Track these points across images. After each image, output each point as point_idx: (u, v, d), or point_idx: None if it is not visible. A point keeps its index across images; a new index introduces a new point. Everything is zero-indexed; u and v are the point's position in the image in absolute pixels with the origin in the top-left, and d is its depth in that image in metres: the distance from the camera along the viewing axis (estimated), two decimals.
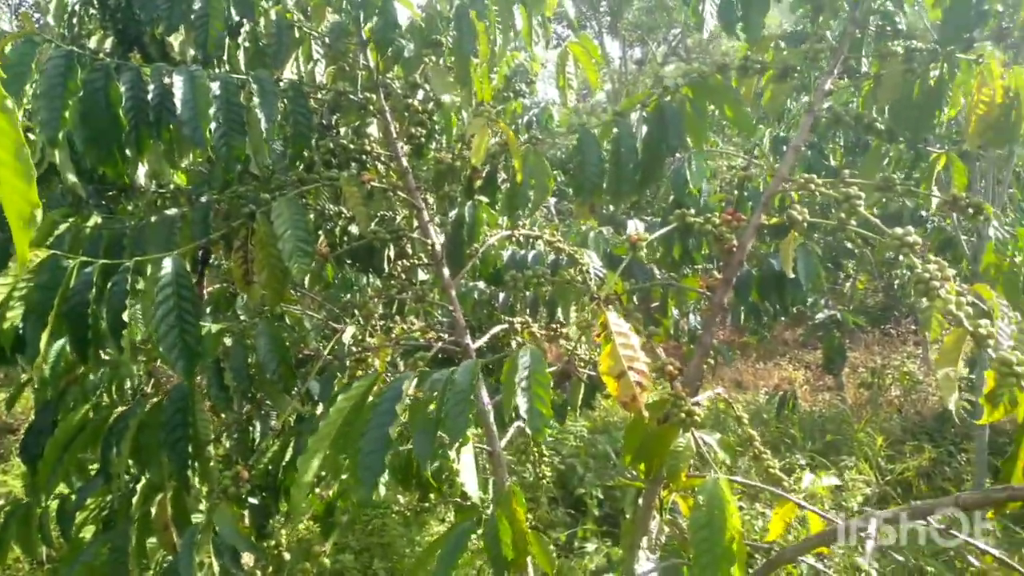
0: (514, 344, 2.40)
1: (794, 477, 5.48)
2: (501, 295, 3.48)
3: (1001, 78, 1.96)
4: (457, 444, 1.72)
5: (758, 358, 9.62)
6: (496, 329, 2.34)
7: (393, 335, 2.38)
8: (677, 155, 3.93)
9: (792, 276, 4.68)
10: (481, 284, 3.50)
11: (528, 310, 3.31)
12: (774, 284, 4.50)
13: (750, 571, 1.63)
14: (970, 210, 1.94)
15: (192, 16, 1.98)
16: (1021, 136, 2.00)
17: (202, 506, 2.11)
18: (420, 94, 2.50)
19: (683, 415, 1.68)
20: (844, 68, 2.04)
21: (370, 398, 1.56)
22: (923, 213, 6.12)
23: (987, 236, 2.43)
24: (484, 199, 2.57)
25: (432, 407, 1.49)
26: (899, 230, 1.53)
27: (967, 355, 1.53)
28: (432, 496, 2.27)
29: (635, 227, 3.59)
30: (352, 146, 2.27)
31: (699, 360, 1.91)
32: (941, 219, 5.38)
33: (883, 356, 8.88)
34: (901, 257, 1.55)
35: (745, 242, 1.84)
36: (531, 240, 2.83)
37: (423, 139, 2.41)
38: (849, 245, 6.73)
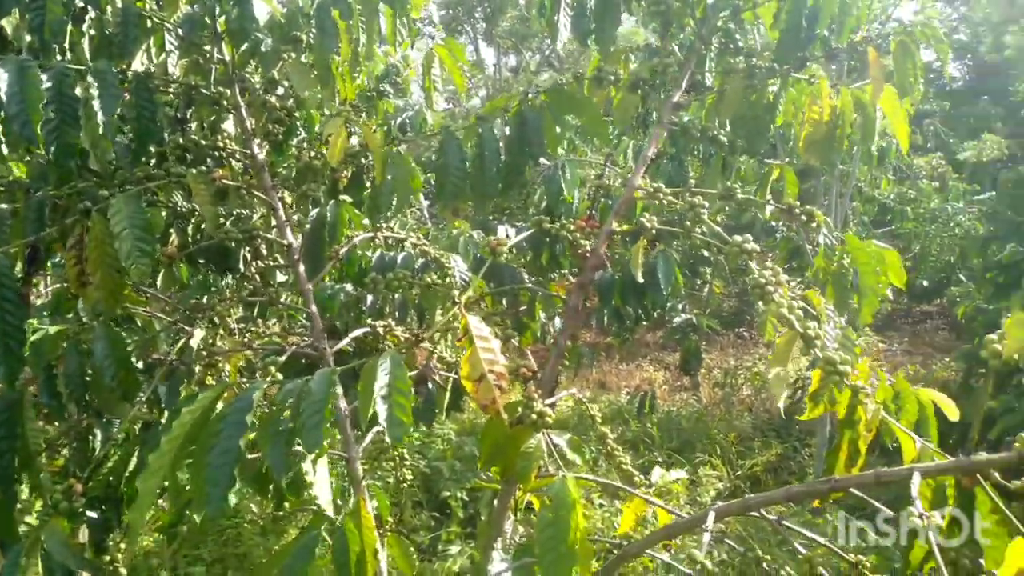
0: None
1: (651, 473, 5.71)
2: (369, 298, 3.44)
3: (829, 97, 2.12)
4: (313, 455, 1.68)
5: (621, 359, 9.95)
6: (356, 332, 2.30)
7: (247, 339, 2.29)
8: (550, 162, 4.02)
9: (651, 281, 4.85)
10: (349, 287, 3.44)
11: (397, 313, 3.29)
12: (635, 289, 4.67)
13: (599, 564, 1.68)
14: (803, 218, 2.09)
15: None
16: (844, 152, 2.17)
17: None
18: (280, 90, 2.43)
19: (535, 416, 1.72)
20: (691, 82, 2.14)
21: (219, 407, 1.49)
22: (773, 223, 6.54)
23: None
24: (348, 199, 2.53)
25: (287, 416, 1.45)
26: (738, 238, 1.62)
27: (807, 356, 1.64)
28: (288, 504, 2.20)
29: (505, 232, 3.63)
30: (205, 142, 2.17)
31: (554, 363, 1.95)
32: (787, 228, 5.76)
33: (736, 358, 9.40)
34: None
35: (598, 248, 1.90)
36: (399, 242, 2.81)
37: (282, 136, 2.35)
38: (706, 253, 7.09)
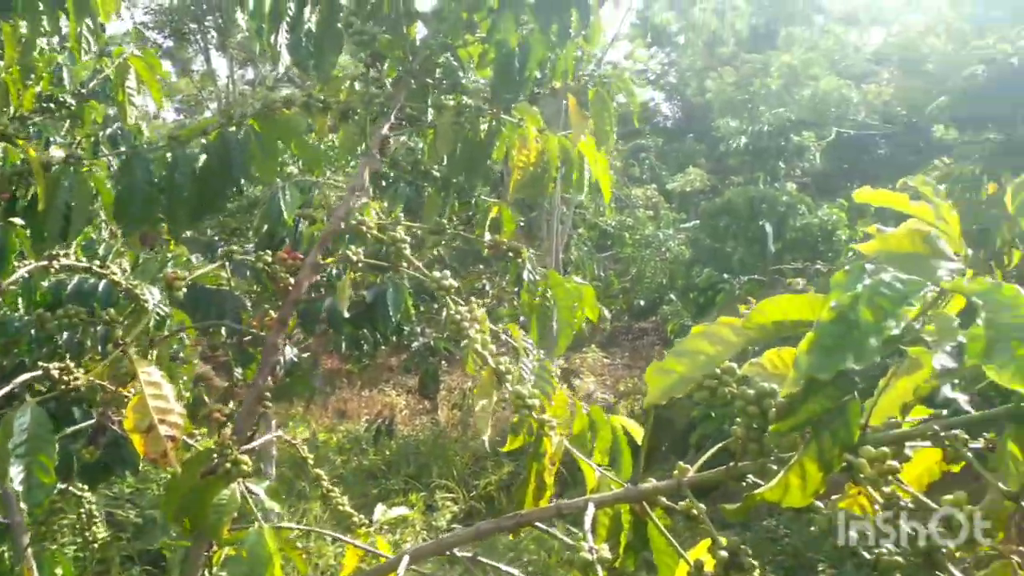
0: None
1: (388, 503, 5.64)
2: (66, 333, 3.04)
3: (536, 141, 2.22)
4: None
5: (363, 385, 9.80)
6: (24, 378, 1.99)
7: None
8: (277, 183, 3.84)
9: (381, 307, 4.78)
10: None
11: (100, 348, 2.93)
12: (367, 315, 4.62)
13: None
14: (510, 253, 2.15)
15: None
16: (551, 192, 2.27)
17: None
18: None
19: (229, 465, 1.60)
20: (404, 116, 2.13)
21: None
22: None
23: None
24: (20, 222, 2.20)
25: None
26: (437, 274, 1.62)
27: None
28: None
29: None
30: None
31: (251, 404, 1.82)
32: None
33: (474, 379, 9.64)
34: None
35: (302, 281, 1.81)
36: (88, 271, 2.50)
37: None
38: None
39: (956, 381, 0.83)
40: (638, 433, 1.79)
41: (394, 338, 7.33)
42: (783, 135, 13.14)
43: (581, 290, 2.11)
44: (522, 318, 2.32)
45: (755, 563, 1.07)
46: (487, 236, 2.26)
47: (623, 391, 9.42)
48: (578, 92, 2.14)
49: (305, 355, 6.88)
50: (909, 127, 14.65)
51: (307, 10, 2.12)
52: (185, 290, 2.76)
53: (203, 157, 2.03)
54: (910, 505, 0.87)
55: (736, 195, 8.81)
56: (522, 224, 6.58)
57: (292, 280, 1.84)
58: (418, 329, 7.39)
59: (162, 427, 1.31)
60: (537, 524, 1.41)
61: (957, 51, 6.06)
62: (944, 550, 0.80)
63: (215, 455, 1.61)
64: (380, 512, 2.52)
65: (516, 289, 2.19)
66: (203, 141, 2.05)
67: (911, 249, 0.87)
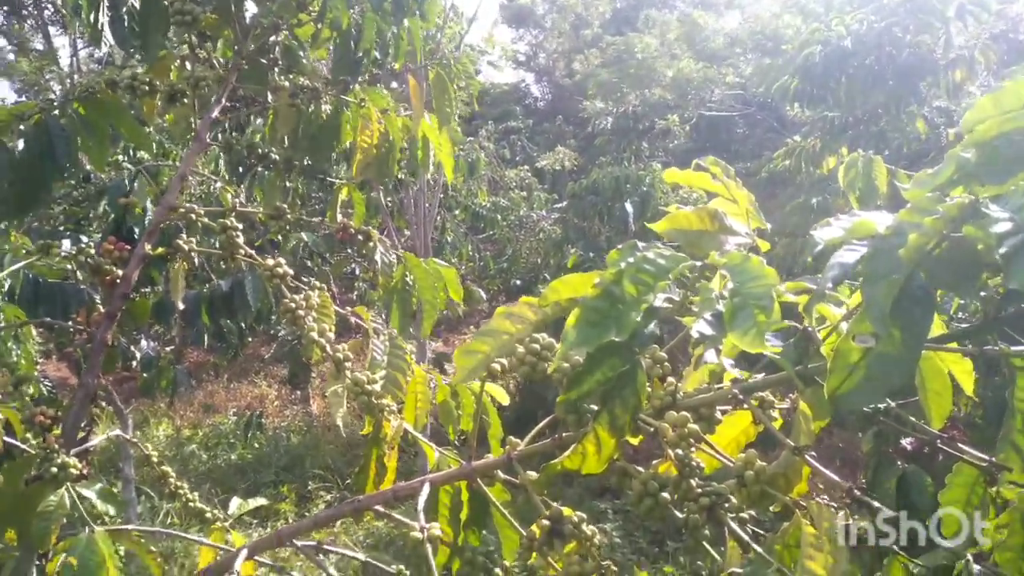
0: None
1: (259, 496, 5.49)
2: None
3: (379, 122, 2.20)
4: None
5: (231, 377, 9.47)
6: None
7: None
8: (125, 169, 3.60)
9: (241, 297, 4.62)
10: None
11: None
12: (224, 305, 4.45)
13: None
14: (360, 237, 2.12)
15: None
16: (396, 174, 2.26)
17: None
18: None
19: (55, 471, 1.53)
20: (240, 98, 2.05)
21: None
22: None
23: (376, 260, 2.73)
24: None
25: None
26: (271, 261, 1.58)
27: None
28: None
29: (68, 246, 3.18)
30: None
31: (80, 405, 1.73)
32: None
33: None
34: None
35: (129, 274, 1.72)
36: None
37: None
38: (309, 264, 7.04)
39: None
40: (502, 396, 1.81)
41: (260, 327, 7.11)
42: (648, 117, 13.58)
43: (442, 271, 2.11)
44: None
45: (589, 530, 1.11)
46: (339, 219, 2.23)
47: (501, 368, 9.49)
48: (419, 74, 2.13)
49: (169, 348, 6.58)
50: (764, 106, 15.47)
51: None
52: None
53: (21, 144, 1.89)
54: (702, 465, 0.93)
55: (601, 175, 9.04)
56: (390, 204, 6.50)
57: (120, 272, 1.75)
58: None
59: None
60: (377, 508, 1.41)
61: (810, 32, 6.41)
62: (727, 505, 0.86)
63: (40, 460, 1.53)
64: (235, 505, 2.46)
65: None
66: (22, 127, 1.91)
67: (700, 227, 0.92)
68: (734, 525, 0.84)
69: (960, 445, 1.04)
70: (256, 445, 6.62)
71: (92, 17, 2.05)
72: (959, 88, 5.88)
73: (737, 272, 0.69)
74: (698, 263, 0.75)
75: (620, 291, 0.68)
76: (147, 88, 1.94)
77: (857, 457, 5.93)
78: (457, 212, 10.78)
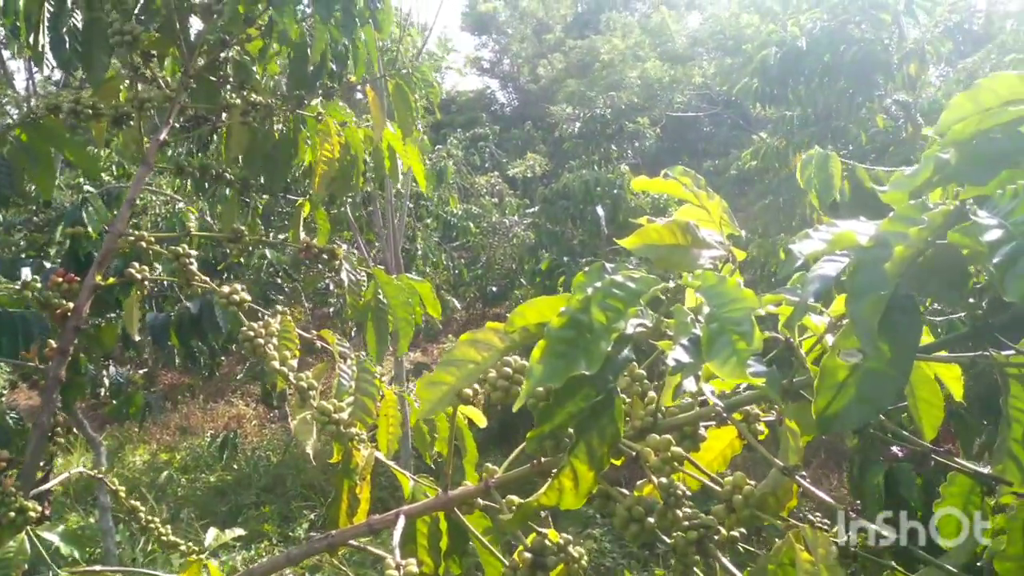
0: None
1: (241, 519, 5.38)
2: None
3: (338, 135, 2.13)
4: None
5: (207, 398, 9.30)
6: None
7: None
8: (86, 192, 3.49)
9: (210, 318, 4.51)
10: None
11: None
12: (194, 327, 4.34)
13: None
14: (324, 256, 2.06)
15: None
16: (361, 187, 2.20)
17: None
18: None
19: (13, 515, 1.46)
20: (191, 118, 1.98)
21: None
22: None
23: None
24: None
25: None
26: (226, 288, 1.51)
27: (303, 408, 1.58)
28: None
29: (27, 274, 3.08)
30: None
31: (36, 444, 1.65)
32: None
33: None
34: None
35: (80, 306, 1.64)
36: None
37: None
38: (279, 281, 6.92)
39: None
40: (479, 418, 1.75)
41: (233, 347, 6.99)
42: (616, 120, 13.59)
43: (415, 286, 2.05)
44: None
45: (576, 551, 1.05)
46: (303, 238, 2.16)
47: (482, 379, 9.43)
48: (378, 85, 2.07)
49: (142, 371, 6.43)
50: (729, 104, 15.56)
51: (70, 3, 1.92)
52: None
53: None
54: (687, 491, 0.88)
55: (572, 179, 9.00)
56: (359, 218, 6.41)
57: (71, 305, 1.66)
58: None
59: None
60: (352, 542, 1.35)
61: (767, 33, 6.44)
62: (716, 537, 0.81)
63: None
64: (212, 536, 2.38)
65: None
66: None
67: (672, 241, 0.87)
68: (725, 561, 0.78)
69: (952, 452, 1.00)
70: (236, 466, 6.49)
71: (32, 39, 1.97)
72: (915, 81, 5.92)
73: (713, 295, 0.64)
74: (671, 284, 0.70)
75: (588, 319, 0.63)
76: (91, 112, 1.86)
77: (842, 449, 5.93)
78: (429, 221, 10.70)
